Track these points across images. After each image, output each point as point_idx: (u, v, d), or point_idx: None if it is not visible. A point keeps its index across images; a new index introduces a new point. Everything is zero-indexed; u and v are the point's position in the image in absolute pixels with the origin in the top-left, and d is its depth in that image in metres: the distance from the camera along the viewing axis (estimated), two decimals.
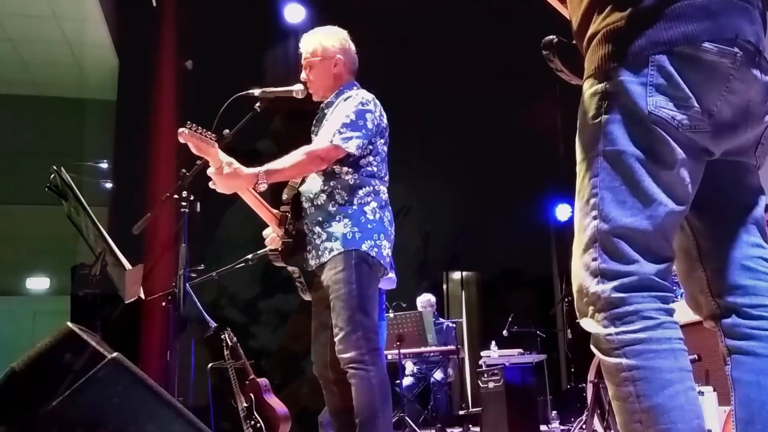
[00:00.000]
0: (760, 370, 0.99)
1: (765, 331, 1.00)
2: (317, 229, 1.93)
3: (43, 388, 1.11)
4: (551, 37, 1.11)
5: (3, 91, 6.34)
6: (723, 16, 0.94)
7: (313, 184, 1.98)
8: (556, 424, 4.69)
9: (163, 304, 2.32)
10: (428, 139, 5.78)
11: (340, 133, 1.89)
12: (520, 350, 4.64)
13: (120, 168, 5.30)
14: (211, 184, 1.83)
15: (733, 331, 1.02)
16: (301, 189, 2.01)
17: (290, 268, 2.01)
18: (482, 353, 4.66)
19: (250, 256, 3.02)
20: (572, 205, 1.07)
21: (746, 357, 1.00)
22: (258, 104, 2.01)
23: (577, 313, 1.01)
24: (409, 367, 5.06)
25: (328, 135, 1.91)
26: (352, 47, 2.11)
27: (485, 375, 4.26)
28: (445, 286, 6.73)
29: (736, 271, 1.02)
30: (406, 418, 4.18)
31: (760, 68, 0.98)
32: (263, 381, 3.55)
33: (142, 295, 1.98)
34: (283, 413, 3.44)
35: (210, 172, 1.81)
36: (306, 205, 1.99)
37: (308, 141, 2.02)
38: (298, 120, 1.88)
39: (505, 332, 4.74)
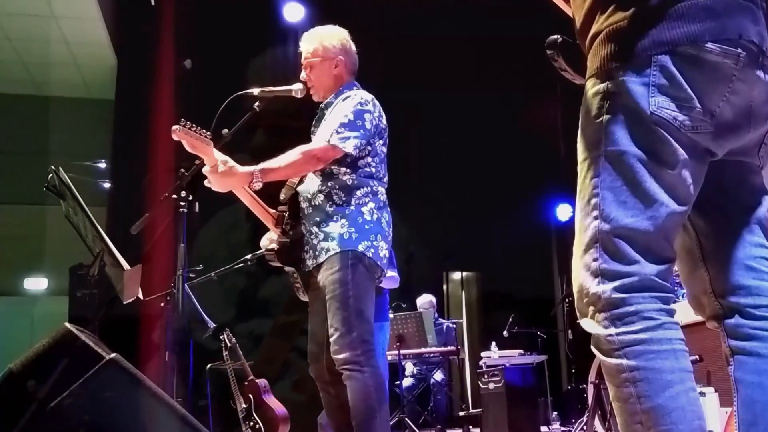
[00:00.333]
0: (763, 370, 0.99)
1: None
2: (314, 229, 1.93)
3: (40, 389, 1.11)
4: (555, 36, 1.10)
5: (0, 90, 6.33)
6: (726, 16, 0.94)
7: (310, 184, 1.97)
8: (556, 426, 4.69)
9: (162, 304, 2.32)
10: (428, 139, 5.78)
11: (338, 133, 1.88)
12: (521, 351, 4.64)
13: (118, 168, 5.30)
14: (206, 183, 1.83)
15: (736, 331, 1.02)
16: (299, 189, 2.01)
17: (287, 269, 2.00)
18: (482, 354, 4.65)
19: (249, 256, 3.02)
20: (573, 205, 1.07)
21: (749, 358, 1.00)
22: (257, 103, 2.00)
23: (578, 314, 1.01)
24: (409, 367, 5.05)
25: (325, 135, 1.90)
26: (353, 47, 2.10)
27: (485, 376, 4.25)
28: (445, 287, 6.73)
29: (739, 272, 1.02)
30: (406, 419, 4.17)
31: (763, 68, 0.97)
32: (262, 382, 3.54)
33: (141, 296, 1.98)
34: (283, 414, 3.43)
35: (205, 170, 1.81)
36: (304, 205, 1.98)
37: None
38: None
39: (505, 333, 4.74)
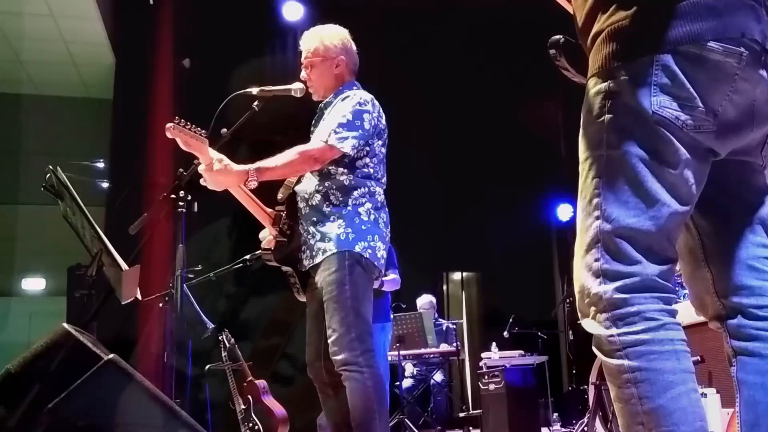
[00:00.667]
0: (765, 371, 0.99)
1: None
2: (311, 229, 1.92)
3: (38, 390, 1.10)
4: (558, 36, 1.10)
5: None
6: (729, 15, 0.94)
7: (308, 184, 1.97)
8: (557, 427, 4.69)
9: (160, 305, 2.31)
10: (429, 139, 5.78)
11: (336, 133, 1.87)
12: (521, 352, 4.63)
13: (117, 167, 5.28)
14: (202, 181, 1.82)
15: (738, 332, 1.02)
16: (296, 189, 2.00)
17: (284, 268, 1.99)
18: (483, 355, 4.64)
19: (248, 257, 3.02)
20: (574, 205, 1.07)
21: (752, 358, 1.00)
22: (256, 103, 1.99)
23: (579, 314, 1.01)
24: (409, 368, 5.04)
25: (323, 135, 1.89)
26: (354, 47, 2.09)
27: (486, 377, 4.25)
28: (445, 287, 6.72)
29: (741, 272, 1.02)
30: (406, 420, 4.16)
31: (766, 67, 0.97)
32: (261, 383, 3.53)
33: (139, 296, 1.96)
34: (282, 415, 3.42)
35: (200, 169, 1.80)
36: (301, 204, 1.97)
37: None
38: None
39: (505, 333, 4.73)
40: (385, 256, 1.95)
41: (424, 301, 5.13)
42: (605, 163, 0.97)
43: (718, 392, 2.37)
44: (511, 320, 4.79)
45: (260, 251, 2.05)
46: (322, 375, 1.94)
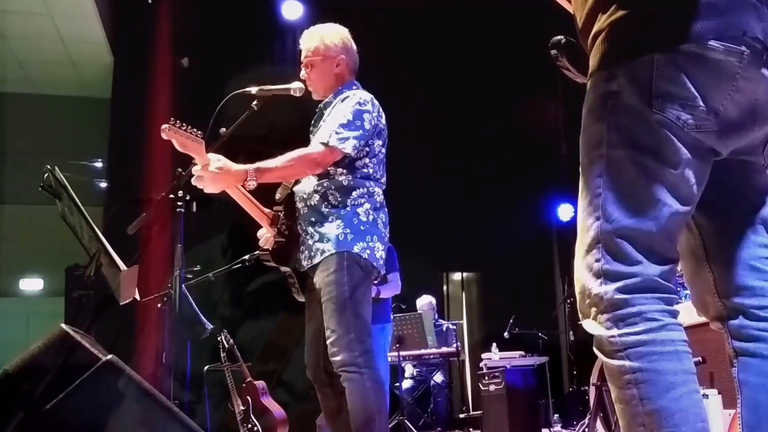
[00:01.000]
0: (767, 372, 0.98)
1: None
2: (310, 229, 1.92)
3: (36, 391, 1.10)
4: (559, 37, 1.10)
5: None
6: (730, 14, 0.93)
7: (306, 185, 1.96)
8: (558, 428, 4.68)
9: (159, 305, 2.30)
10: (429, 139, 5.77)
11: (337, 133, 1.87)
12: (522, 352, 4.63)
13: (115, 167, 5.26)
14: (194, 181, 1.79)
15: (740, 332, 1.02)
16: (294, 189, 1.99)
17: (283, 269, 1.99)
18: (483, 355, 4.64)
19: (247, 257, 3.01)
20: (574, 205, 1.06)
21: (753, 359, 1.00)
22: (255, 102, 1.98)
23: (580, 315, 1.00)
24: (409, 369, 5.03)
25: (323, 137, 1.89)
26: (354, 46, 2.09)
27: (486, 377, 4.24)
28: (445, 287, 6.71)
29: (743, 272, 1.01)
30: (406, 421, 4.16)
31: (767, 66, 0.96)
32: (260, 384, 3.52)
33: (138, 297, 1.96)
34: (281, 416, 3.41)
35: (195, 170, 1.78)
36: (299, 205, 1.97)
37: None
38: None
39: (506, 334, 4.73)
40: (384, 256, 1.95)
41: (424, 301, 5.12)
42: (606, 163, 0.96)
43: (719, 393, 2.36)
44: (511, 321, 4.79)
45: (259, 252, 2.04)
46: (321, 376, 1.94)
